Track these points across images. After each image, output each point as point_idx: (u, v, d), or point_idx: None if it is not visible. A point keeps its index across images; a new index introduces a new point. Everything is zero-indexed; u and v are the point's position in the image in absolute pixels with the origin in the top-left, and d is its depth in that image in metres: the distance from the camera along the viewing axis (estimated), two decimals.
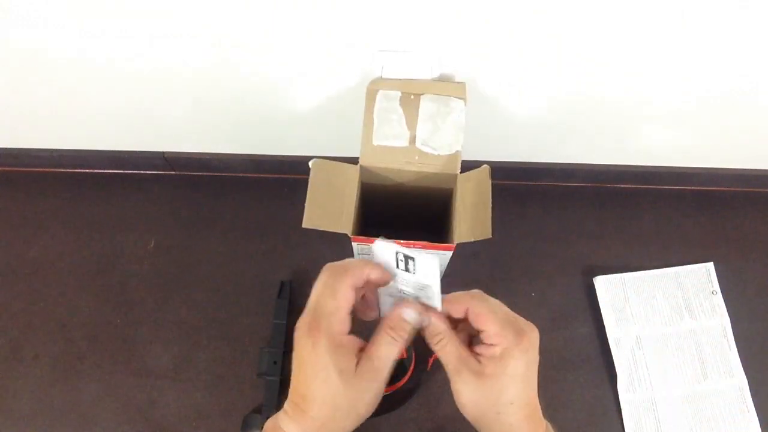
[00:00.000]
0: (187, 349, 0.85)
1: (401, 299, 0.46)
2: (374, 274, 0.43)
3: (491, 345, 0.43)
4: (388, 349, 0.43)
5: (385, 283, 0.45)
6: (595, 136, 0.83)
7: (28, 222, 0.95)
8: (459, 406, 0.45)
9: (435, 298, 0.44)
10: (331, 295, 0.42)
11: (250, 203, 0.95)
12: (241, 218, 0.94)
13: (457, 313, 0.45)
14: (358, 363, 0.42)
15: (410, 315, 0.44)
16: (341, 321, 0.42)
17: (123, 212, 0.95)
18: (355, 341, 0.43)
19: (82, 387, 0.83)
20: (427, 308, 0.45)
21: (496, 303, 0.45)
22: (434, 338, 0.45)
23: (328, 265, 0.44)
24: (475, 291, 0.45)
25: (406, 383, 0.78)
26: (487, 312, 0.43)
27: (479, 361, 0.44)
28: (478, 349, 0.44)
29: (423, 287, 0.45)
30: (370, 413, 0.44)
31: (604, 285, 0.88)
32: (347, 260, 0.44)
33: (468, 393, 0.43)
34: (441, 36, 0.62)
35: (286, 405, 0.44)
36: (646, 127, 0.80)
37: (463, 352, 0.44)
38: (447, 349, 0.44)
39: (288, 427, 0.43)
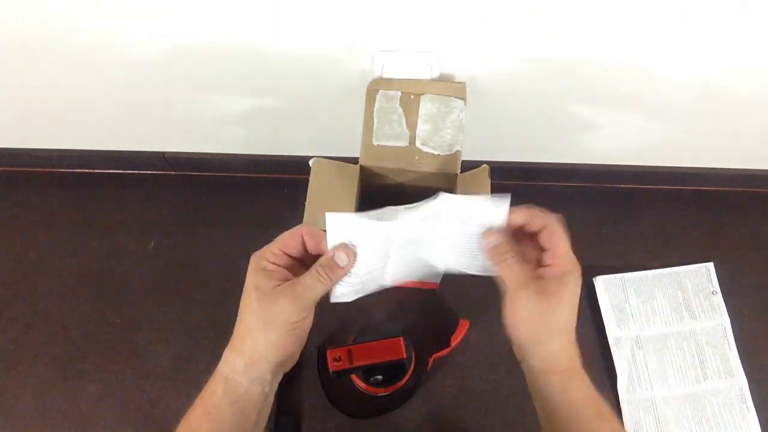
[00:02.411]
0: (187, 349, 0.85)
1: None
2: (320, 242, 0.47)
3: (553, 266, 0.46)
4: (312, 282, 0.45)
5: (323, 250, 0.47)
6: (595, 135, 0.83)
7: (28, 222, 0.95)
8: (511, 327, 0.47)
9: (497, 216, 0.48)
10: (283, 233, 0.48)
11: (250, 203, 0.95)
12: (241, 218, 0.94)
13: (534, 226, 0.48)
14: (280, 285, 0.45)
15: (342, 259, 0.46)
16: (272, 253, 0.47)
17: (123, 212, 0.95)
18: (281, 271, 0.46)
19: (82, 387, 0.83)
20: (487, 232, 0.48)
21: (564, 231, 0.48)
22: (501, 256, 0.47)
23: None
24: (556, 214, 0.49)
25: (406, 383, 0.78)
26: (562, 234, 0.47)
27: (542, 281, 0.46)
28: (538, 271, 0.47)
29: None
30: (286, 344, 0.46)
31: (604, 285, 0.88)
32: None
33: (528, 310, 0.45)
34: (441, 36, 0.62)
35: None
36: (647, 126, 0.80)
37: (528, 270, 0.47)
38: (514, 267, 0.46)
39: (225, 352, 0.47)
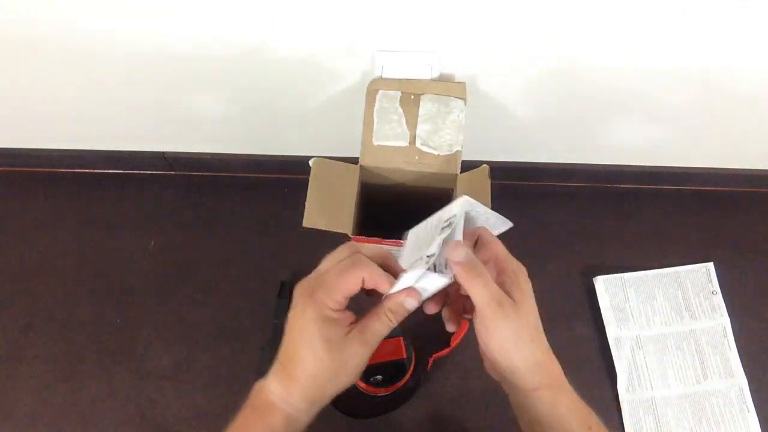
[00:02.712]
0: (187, 349, 0.85)
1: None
2: (381, 285, 0.44)
3: (502, 272, 0.45)
4: (381, 327, 0.45)
5: (383, 292, 0.46)
6: (595, 135, 0.83)
7: (28, 222, 0.95)
8: (495, 350, 0.45)
9: (457, 234, 0.45)
10: (338, 275, 0.43)
11: (250, 203, 0.95)
12: (241, 218, 0.94)
13: (471, 240, 0.47)
14: (348, 333, 0.44)
15: (411, 304, 0.45)
16: (336, 301, 0.43)
17: (123, 212, 0.95)
18: (346, 315, 0.45)
19: (82, 387, 0.83)
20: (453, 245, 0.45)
21: None
22: (474, 271, 0.44)
23: (355, 244, 0.46)
24: (479, 226, 0.48)
25: (406, 383, 0.78)
26: (495, 239, 0.47)
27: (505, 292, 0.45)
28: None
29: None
30: (352, 382, 0.46)
31: (604, 285, 0.88)
32: (372, 249, 0.46)
33: (507, 328, 0.44)
34: (441, 36, 0.62)
35: (275, 365, 0.46)
36: (647, 126, 0.80)
37: (498, 288, 0.44)
38: (489, 284, 0.44)
39: (273, 385, 0.45)
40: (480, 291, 0.43)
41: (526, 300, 0.45)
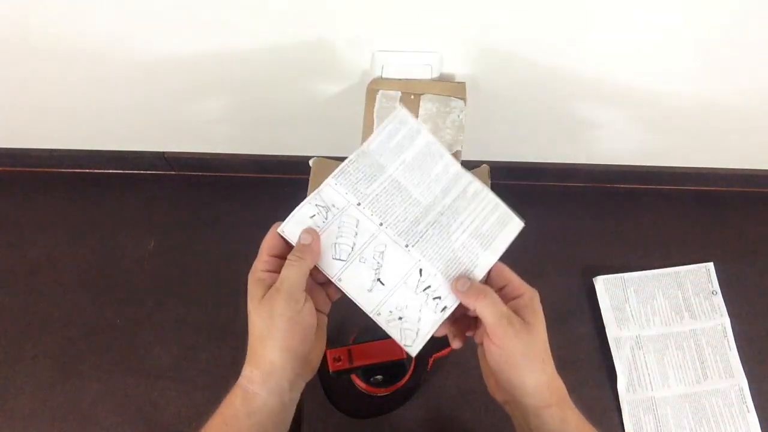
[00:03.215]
0: (187, 349, 0.85)
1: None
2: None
3: (518, 297, 0.47)
4: (285, 270, 0.46)
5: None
6: (595, 136, 0.83)
7: (28, 222, 0.95)
8: (501, 369, 0.46)
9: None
10: (264, 241, 0.49)
11: (250, 203, 0.95)
12: (241, 218, 0.94)
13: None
14: (270, 288, 0.46)
15: (305, 238, 0.47)
16: (262, 261, 0.48)
17: (123, 212, 0.95)
18: (273, 276, 0.47)
19: (82, 387, 0.83)
20: (459, 279, 0.49)
21: None
22: (480, 293, 0.46)
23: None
24: None
25: (406, 383, 0.78)
26: (507, 268, 0.50)
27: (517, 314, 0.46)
28: (510, 305, 0.47)
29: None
30: (295, 346, 0.46)
31: (604, 285, 0.88)
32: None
33: (519, 345, 0.45)
34: (441, 36, 0.62)
35: None
36: (647, 127, 0.80)
37: (506, 307, 0.46)
38: (497, 302, 0.46)
39: (244, 367, 0.48)
40: (490, 310, 0.45)
41: (537, 323, 0.46)
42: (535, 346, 0.46)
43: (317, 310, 0.48)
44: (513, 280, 0.49)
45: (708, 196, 0.96)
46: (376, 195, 0.50)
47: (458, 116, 0.66)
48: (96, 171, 0.98)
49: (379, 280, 0.49)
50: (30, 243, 0.93)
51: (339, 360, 0.71)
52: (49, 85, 0.75)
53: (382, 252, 0.49)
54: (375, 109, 0.66)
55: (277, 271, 0.47)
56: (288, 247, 0.49)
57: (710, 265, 0.90)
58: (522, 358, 0.45)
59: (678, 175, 0.93)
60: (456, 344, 0.50)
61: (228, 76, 0.72)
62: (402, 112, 0.52)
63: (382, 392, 0.78)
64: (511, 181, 0.95)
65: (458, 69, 0.68)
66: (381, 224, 0.49)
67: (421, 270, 0.49)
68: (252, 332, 0.47)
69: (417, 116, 0.66)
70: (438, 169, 0.52)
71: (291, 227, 0.49)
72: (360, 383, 0.77)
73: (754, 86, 0.70)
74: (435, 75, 0.67)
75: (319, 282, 0.50)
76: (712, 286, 0.89)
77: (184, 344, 0.86)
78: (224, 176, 0.97)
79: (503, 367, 0.46)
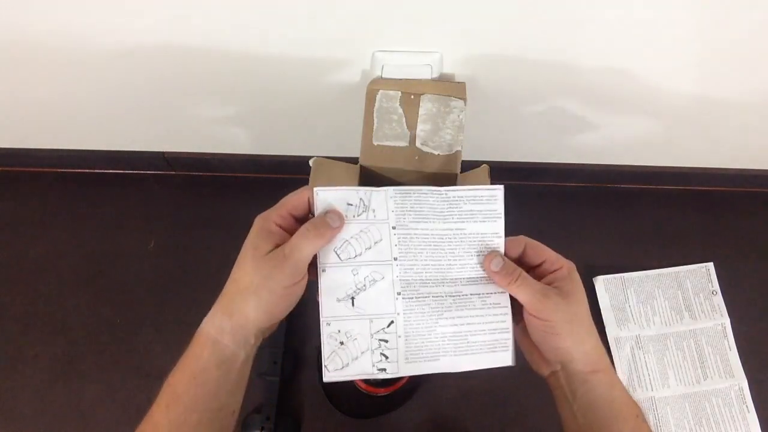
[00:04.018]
0: (187, 349, 0.85)
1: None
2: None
3: (556, 270, 0.47)
4: (298, 240, 0.45)
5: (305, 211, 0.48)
6: (595, 135, 0.83)
7: (28, 222, 0.95)
8: (545, 340, 0.47)
9: (499, 242, 0.50)
10: (288, 196, 0.48)
11: (250, 203, 0.94)
12: (241, 218, 0.93)
13: (517, 252, 0.49)
14: (276, 247, 0.45)
15: (334, 220, 0.46)
16: (279, 215, 0.47)
17: (123, 212, 0.95)
18: (284, 234, 0.46)
19: (82, 387, 0.83)
20: (491, 253, 0.49)
21: None
22: (511, 275, 0.47)
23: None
24: (520, 236, 0.50)
25: (406, 383, 0.78)
26: (541, 244, 0.49)
27: (555, 287, 0.46)
28: (547, 278, 0.48)
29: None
30: (275, 310, 0.45)
31: (604, 285, 0.88)
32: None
33: (561, 314, 0.45)
34: (441, 36, 0.62)
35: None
36: (647, 127, 0.80)
37: (538, 282, 0.47)
38: (528, 281, 0.46)
39: (208, 315, 0.48)
40: (524, 290, 0.46)
41: (577, 292, 0.46)
42: (577, 314, 0.46)
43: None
44: (550, 255, 0.48)
45: (708, 196, 0.96)
46: (415, 235, 0.48)
47: (458, 116, 0.66)
48: (96, 171, 0.98)
49: (352, 299, 0.47)
50: (30, 243, 0.93)
51: None
52: (48, 85, 0.75)
53: (375, 281, 0.47)
54: (375, 109, 0.66)
55: (289, 230, 0.46)
56: (308, 211, 0.48)
57: (710, 265, 0.90)
58: (565, 326, 0.46)
59: (678, 175, 0.93)
60: None
61: (227, 76, 0.72)
62: (500, 191, 0.50)
63: (382, 392, 0.78)
64: (511, 181, 0.94)
65: (458, 69, 0.68)
66: (395, 259, 0.48)
67: (391, 323, 0.47)
68: (237, 281, 0.46)
69: (417, 116, 0.67)
70: (480, 260, 0.49)
71: (326, 196, 0.47)
72: (360, 383, 0.77)
73: (755, 86, 0.70)
74: (435, 75, 0.67)
75: None
76: (712, 286, 0.89)
77: (184, 344, 0.85)
78: (224, 176, 0.97)
79: (548, 338, 0.46)
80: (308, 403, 0.81)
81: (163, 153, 0.93)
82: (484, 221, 0.50)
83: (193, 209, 0.95)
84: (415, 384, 0.80)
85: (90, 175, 0.98)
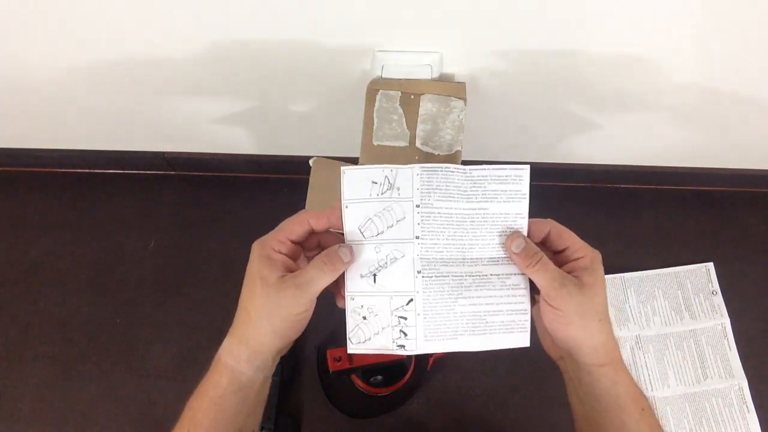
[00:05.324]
0: (187, 349, 0.85)
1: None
2: (318, 223, 0.46)
3: (578, 258, 0.47)
4: (314, 273, 0.45)
5: (321, 229, 0.47)
6: (595, 136, 0.83)
7: (28, 222, 0.95)
8: (557, 328, 0.46)
9: (522, 222, 0.49)
10: (286, 220, 0.47)
11: (250, 203, 0.95)
12: (241, 218, 0.94)
13: (541, 235, 0.49)
14: (285, 276, 0.45)
15: (346, 255, 0.46)
16: (279, 241, 0.46)
17: (123, 212, 0.95)
18: (286, 261, 0.46)
19: (82, 387, 0.83)
20: (512, 234, 0.48)
21: None
22: (532, 258, 0.46)
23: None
24: (548, 219, 0.50)
25: (406, 383, 0.78)
26: (567, 229, 0.48)
27: (575, 276, 0.46)
28: (568, 266, 0.47)
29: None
30: (289, 335, 0.46)
31: None
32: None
33: (574, 305, 0.45)
34: (441, 36, 0.62)
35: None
36: (647, 127, 0.80)
37: (557, 269, 0.46)
38: (547, 266, 0.46)
39: (225, 341, 0.47)
40: (542, 275, 0.45)
41: (595, 284, 0.46)
42: (591, 306, 0.45)
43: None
44: (575, 242, 0.48)
45: (708, 196, 0.96)
46: (438, 214, 0.48)
47: (458, 116, 0.66)
48: (96, 171, 0.98)
49: (374, 276, 0.48)
50: (30, 243, 0.93)
51: (339, 360, 0.71)
52: (49, 85, 0.75)
53: (396, 259, 0.47)
54: (375, 109, 0.66)
55: (289, 254, 0.46)
56: (306, 234, 0.47)
57: (710, 265, 0.90)
58: (577, 318, 0.45)
59: (678, 175, 0.93)
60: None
61: (228, 76, 0.72)
62: (526, 172, 0.51)
63: (382, 392, 0.78)
64: None
65: (458, 69, 0.68)
66: (417, 237, 0.48)
67: (411, 300, 0.48)
68: (247, 309, 0.46)
69: (417, 116, 0.67)
70: (502, 241, 0.49)
71: (352, 176, 0.47)
72: (360, 383, 0.77)
73: (755, 86, 0.70)
74: (435, 75, 0.67)
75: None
76: (712, 286, 0.89)
77: (184, 344, 0.86)
78: (224, 176, 0.97)
79: (559, 327, 0.46)
80: (308, 403, 0.81)
81: (163, 153, 0.93)
82: (508, 201, 0.50)
83: (193, 209, 0.95)
84: (415, 384, 0.80)
85: (90, 175, 0.98)
